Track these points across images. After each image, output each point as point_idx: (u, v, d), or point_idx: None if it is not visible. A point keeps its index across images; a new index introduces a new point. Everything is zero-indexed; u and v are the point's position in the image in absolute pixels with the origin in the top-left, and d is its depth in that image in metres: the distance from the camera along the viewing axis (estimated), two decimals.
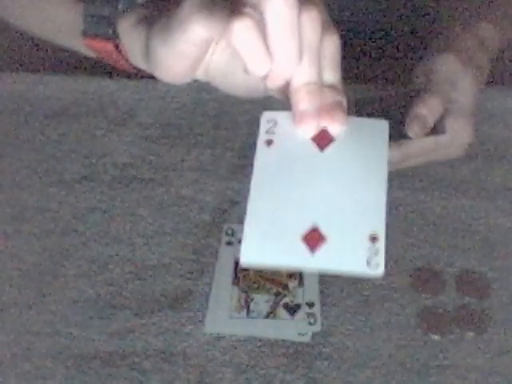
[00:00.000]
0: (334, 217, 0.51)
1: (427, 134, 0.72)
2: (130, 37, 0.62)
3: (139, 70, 0.65)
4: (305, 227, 0.50)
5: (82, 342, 0.71)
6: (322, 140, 0.54)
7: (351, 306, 0.73)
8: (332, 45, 0.54)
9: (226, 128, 0.88)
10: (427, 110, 0.72)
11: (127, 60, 0.65)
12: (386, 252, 0.49)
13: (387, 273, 0.76)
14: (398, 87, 0.81)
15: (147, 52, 0.58)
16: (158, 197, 0.82)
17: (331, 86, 0.55)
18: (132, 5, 0.63)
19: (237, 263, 0.75)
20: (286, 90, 0.55)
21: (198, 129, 0.88)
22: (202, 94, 0.90)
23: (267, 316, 0.72)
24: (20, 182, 0.83)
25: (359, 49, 0.96)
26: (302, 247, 0.50)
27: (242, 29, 0.50)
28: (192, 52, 0.54)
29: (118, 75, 0.90)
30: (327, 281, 0.74)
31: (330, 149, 0.54)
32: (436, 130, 0.73)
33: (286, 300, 0.73)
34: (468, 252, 0.78)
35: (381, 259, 0.49)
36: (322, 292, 0.74)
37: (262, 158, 0.54)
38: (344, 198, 0.52)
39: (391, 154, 0.72)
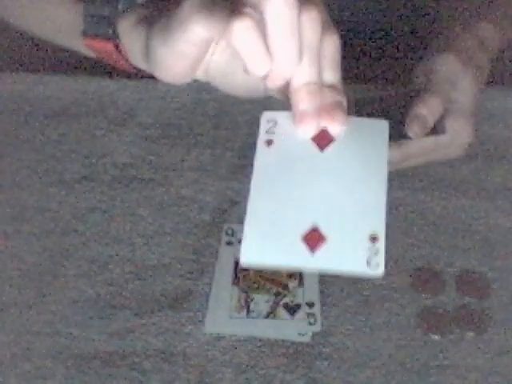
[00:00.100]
0: (333, 217, 0.51)
1: (427, 134, 0.72)
2: (130, 37, 0.62)
3: (139, 70, 0.65)
4: (305, 227, 0.50)
5: (82, 342, 0.71)
6: (322, 140, 0.54)
7: (351, 305, 0.73)
8: (332, 45, 0.54)
9: (226, 128, 0.88)
10: (427, 109, 0.72)
11: (127, 60, 0.65)
12: (386, 252, 0.49)
13: (387, 273, 0.76)
14: (397, 87, 0.81)
15: (147, 52, 0.58)
16: (158, 197, 0.82)
17: (331, 86, 0.55)
18: (132, 5, 0.63)
19: (237, 263, 0.75)
20: (285, 90, 0.55)
21: (198, 129, 0.88)
22: (202, 93, 0.90)
23: (267, 316, 0.72)
24: (20, 182, 0.83)
25: (359, 49, 0.96)
26: (302, 247, 0.50)
27: (242, 29, 0.50)
28: (192, 52, 0.54)
29: (118, 75, 0.90)
30: (327, 281, 0.74)
31: (329, 149, 0.54)
32: (436, 130, 0.73)
33: (286, 300, 0.73)
34: (468, 252, 0.78)
35: (381, 259, 0.49)
36: (322, 292, 0.74)
37: (262, 157, 0.54)
38: (344, 198, 0.52)
39: (391, 153, 0.72)
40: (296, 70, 0.52)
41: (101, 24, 0.64)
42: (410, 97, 0.74)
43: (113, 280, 0.75)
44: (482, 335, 0.71)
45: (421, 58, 0.78)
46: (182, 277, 0.75)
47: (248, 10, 0.51)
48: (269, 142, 0.55)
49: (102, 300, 0.73)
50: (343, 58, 0.55)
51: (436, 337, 0.71)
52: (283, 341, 0.71)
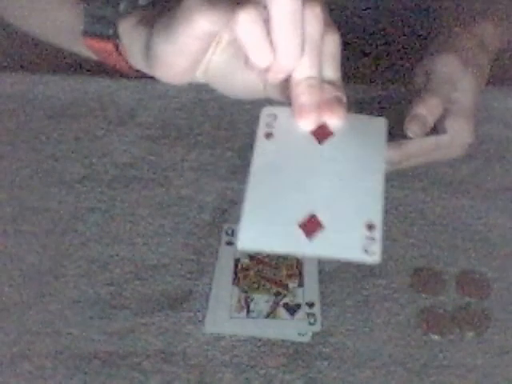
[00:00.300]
0: (331, 205, 0.52)
1: (427, 134, 0.72)
2: (131, 37, 0.62)
3: (138, 72, 0.65)
4: (302, 214, 0.51)
5: (82, 342, 0.70)
6: (321, 134, 0.55)
7: (351, 306, 0.73)
8: (333, 43, 0.54)
9: (226, 128, 0.88)
10: (427, 110, 0.72)
11: (127, 62, 0.65)
12: (385, 243, 0.50)
13: (387, 273, 0.77)
14: (397, 87, 0.81)
15: (147, 51, 0.58)
16: (157, 197, 0.82)
17: (331, 83, 0.55)
18: (134, 7, 0.64)
19: (237, 263, 0.75)
20: (284, 88, 0.55)
21: (198, 129, 0.88)
22: (202, 93, 0.90)
23: (267, 316, 0.72)
24: (20, 182, 0.83)
25: (359, 49, 0.96)
26: (299, 233, 0.50)
27: (247, 19, 0.51)
28: (194, 48, 0.54)
29: (120, 75, 0.90)
30: (327, 281, 0.75)
31: (328, 142, 0.55)
32: (436, 130, 0.73)
33: (286, 300, 0.73)
34: (468, 252, 0.78)
35: (377, 247, 0.50)
36: (322, 292, 0.74)
37: (261, 148, 0.55)
38: (341, 188, 0.53)
39: (391, 153, 0.72)
40: (297, 63, 0.53)
41: (101, 24, 0.64)
42: (410, 97, 0.74)
43: (113, 280, 0.75)
44: (482, 335, 0.71)
45: (421, 58, 0.78)
46: (182, 277, 0.75)
47: (252, 2, 0.51)
48: (268, 135, 0.55)
49: (102, 300, 0.73)
50: (344, 57, 0.55)
51: (436, 337, 0.71)
52: (283, 341, 0.71)
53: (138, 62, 0.62)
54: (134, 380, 0.68)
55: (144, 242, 0.78)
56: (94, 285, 0.75)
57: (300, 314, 0.72)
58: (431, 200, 0.82)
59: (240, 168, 0.83)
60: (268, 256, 0.76)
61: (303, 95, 0.54)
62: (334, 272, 0.75)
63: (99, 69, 0.78)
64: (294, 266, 0.75)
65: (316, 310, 0.72)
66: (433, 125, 0.73)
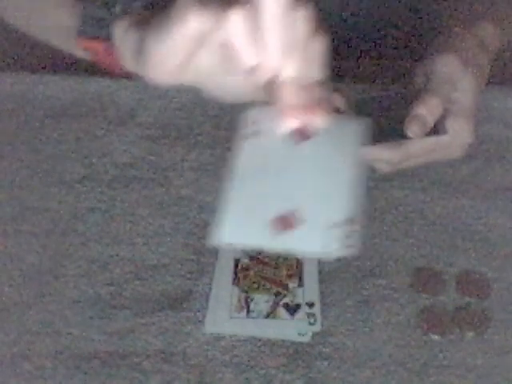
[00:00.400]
0: (307, 202, 0.53)
1: (427, 134, 0.73)
2: (124, 38, 0.63)
3: (130, 73, 0.65)
4: (278, 211, 0.52)
5: (82, 342, 0.71)
6: (303, 134, 0.56)
7: (351, 306, 0.73)
8: (320, 45, 0.55)
9: (226, 128, 0.88)
10: (427, 110, 0.72)
11: (119, 63, 0.65)
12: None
13: (387, 273, 0.77)
14: (397, 87, 0.81)
15: (139, 52, 0.58)
16: (157, 197, 0.82)
17: (316, 84, 0.56)
18: (129, 10, 0.64)
19: (237, 263, 0.75)
20: (270, 88, 0.56)
21: (198, 129, 0.88)
22: (202, 94, 0.90)
23: (267, 316, 0.72)
24: (20, 182, 0.83)
25: (359, 49, 0.96)
26: (275, 230, 0.51)
27: (237, 19, 0.52)
28: (186, 46, 0.54)
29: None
30: (327, 281, 0.75)
31: (308, 141, 0.56)
32: (436, 130, 0.73)
33: (286, 300, 0.73)
34: (468, 252, 0.78)
35: (354, 241, 0.51)
36: (322, 292, 0.74)
37: (243, 148, 0.56)
38: (318, 186, 0.54)
39: (391, 153, 0.73)
40: (284, 63, 0.53)
41: (96, 25, 0.65)
42: (410, 97, 0.74)
43: (113, 280, 0.75)
44: (482, 335, 0.71)
45: (421, 57, 0.78)
46: (182, 277, 0.75)
47: (243, 3, 0.52)
48: (250, 135, 0.57)
49: (102, 300, 0.73)
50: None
51: (436, 337, 0.71)
52: (283, 341, 0.71)
53: (129, 62, 0.63)
54: (134, 380, 0.68)
55: (144, 242, 0.78)
56: (94, 285, 0.75)
57: (300, 313, 0.72)
58: (431, 200, 0.82)
59: None
60: (268, 256, 0.76)
61: (288, 95, 0.55)
62: (333, 272, 0.75)
63: (99, 69, 0.78)
64: (293, 266, 0.75)
65: (316, 310, 0.72)
66: (433, 125, 0.73)
